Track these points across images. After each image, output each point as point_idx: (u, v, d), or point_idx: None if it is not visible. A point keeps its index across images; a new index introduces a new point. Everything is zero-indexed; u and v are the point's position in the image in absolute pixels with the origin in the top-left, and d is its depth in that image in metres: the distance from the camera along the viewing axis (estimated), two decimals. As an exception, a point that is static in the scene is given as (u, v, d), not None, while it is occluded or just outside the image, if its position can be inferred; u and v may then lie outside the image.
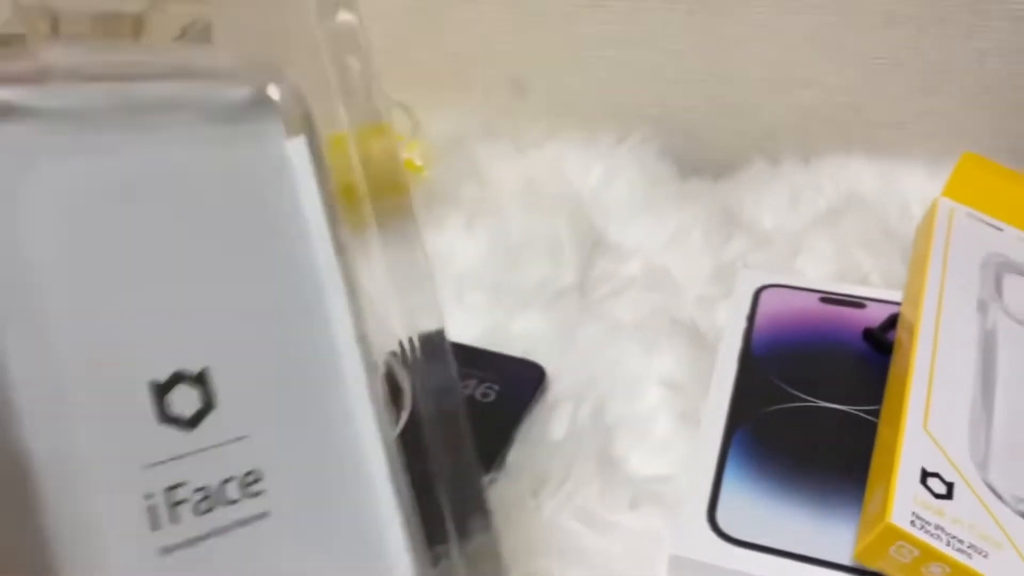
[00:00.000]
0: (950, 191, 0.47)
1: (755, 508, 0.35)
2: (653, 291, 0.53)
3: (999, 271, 0.43)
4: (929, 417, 0.33)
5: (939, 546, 0.29)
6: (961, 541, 0.29)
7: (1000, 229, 0.46)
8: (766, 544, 0.34)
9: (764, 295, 0.48)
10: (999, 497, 0.31)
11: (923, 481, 0.31)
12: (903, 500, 0.30)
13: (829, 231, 0.56)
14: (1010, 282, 0.43)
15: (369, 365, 0.26)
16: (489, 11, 0.66)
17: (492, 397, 0.45)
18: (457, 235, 0.58)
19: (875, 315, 0.45)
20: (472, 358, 0.48)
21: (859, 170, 0.62)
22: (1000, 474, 0.32)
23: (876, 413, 0.38)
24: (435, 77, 0.70)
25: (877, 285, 0.51)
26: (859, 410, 0.40)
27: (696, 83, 0.66)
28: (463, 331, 0.50)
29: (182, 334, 0.22)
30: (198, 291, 0.23)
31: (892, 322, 0.43)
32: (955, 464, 0.32)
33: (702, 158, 0.69)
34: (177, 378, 0.22)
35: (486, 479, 0.39)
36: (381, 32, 0.69)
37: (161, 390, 0.22)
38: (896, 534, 0.30)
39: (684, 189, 0.63)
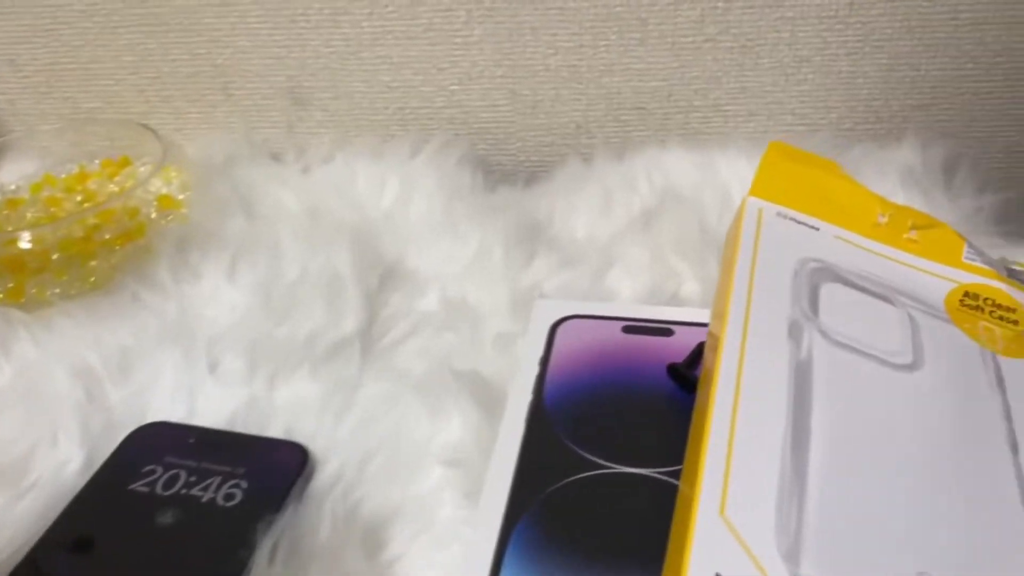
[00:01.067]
0: (758, 189, 0.41)
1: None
2: (448, 331, 0.45)
3: (815, 280, 0.37)
4: (727, 499, 0.27)
5: None
6: (764, 676, 0.23)
7: (816, 228, 0.40)
8: None
9: (561, 330, 0.40)
10: (813, 598, 0.25)
11: (718, 592, 0.24)
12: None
13: (644, 237, 0.50)
14: (828, 293, 0.37)
15: None
16: (251, 15, 0.57)
17: (238, 498, 0.37)
18: (217, 283, 0.49)
19: (683, 343, 0.38)
20: (217, 448, 0.39)
21: (675, 162, 0.56)
22: (814, 565, 0.26)
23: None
24: (195, 93, 0.60)
25: (692, 298, 0.45)
26: (663, 472, 0.33)
27: (493, 78, 0.58)
28: (212, 410, 0.41)
29: None
30: None
31: (699, 355, 0.37)
32: (758, 561, 0.25)
33: (511, 162, 0.62)
34: None
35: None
36: (124, 45, 0.59)
37: None
38: None
39: (489, 201, 0.55)
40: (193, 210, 0.53)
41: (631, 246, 0.49)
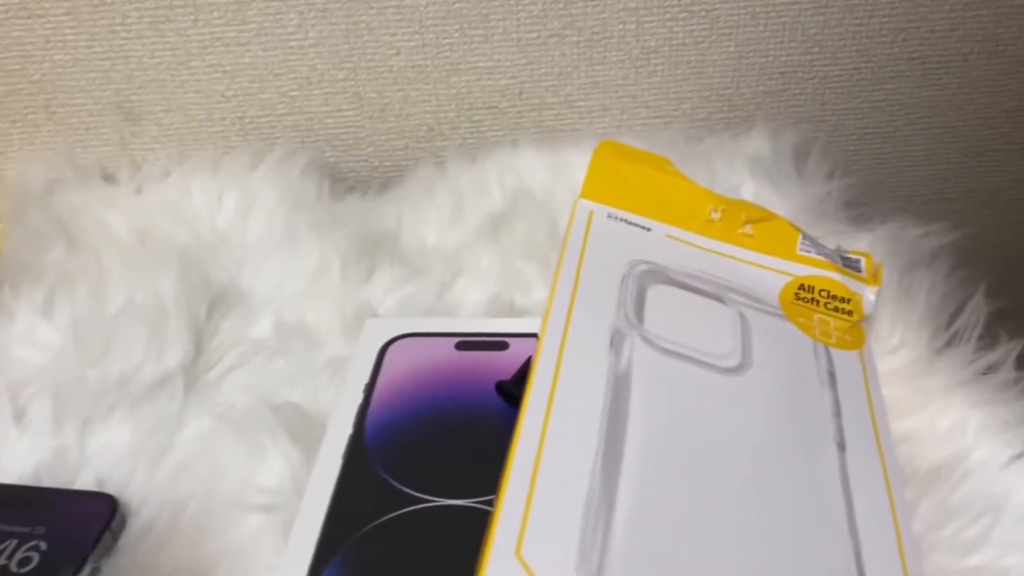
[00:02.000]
0: (588, 190, 0.39)
1: None
2: (280, 357, 0.42)
3: (642, 283, 0.35)
4: (525, 536, 0.25)
5: None
6: None
7: (647, 228, 0.39)
8: None
9: (392, 352, 0.38)
10: (610, 640, 0.23)
11: (504, 647, 0.22)
12: None
13: (493, 243, 0.48)
14: (656, 295, 0.35)
15: None
16: (65, 26, 0.53)
17: (35, 561, 0.33)
18: (31, 321, 0.45)
19: (517, 357, 0.36)
20: (15, 506, 0.35)
21: (528, 164, 0.54)
22: (614, 601, 0.24)
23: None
24: (14, 113, 0.56)
25: (540, 306, 0.43)
26: (485, 503, 0.31)
27: (335, 81, 0.55)
28: (17, 463, 0.38)
29: None
30: None
31: (528, 370, 0.35)
32: (553, 603, 0.23)
33: (364, 168, 0.59)
34: None
35: None
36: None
37: None
38: None
39: (334, 212, 0.53)
40: (6, 242, 0.49)
41: (480, 254, 0.47)
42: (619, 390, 0.30)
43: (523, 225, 0.49)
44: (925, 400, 0.36)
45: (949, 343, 0.39)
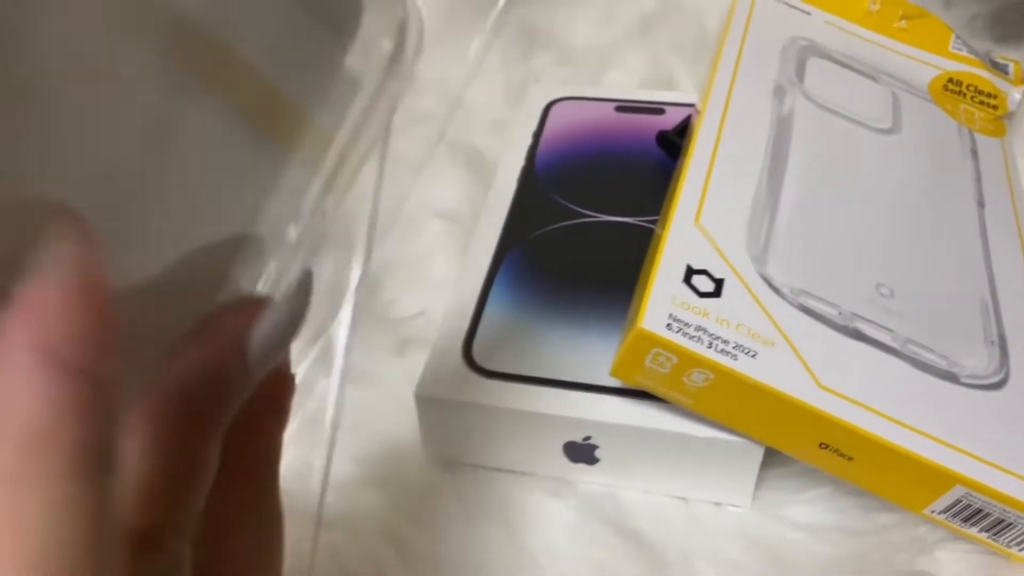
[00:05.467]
0: (754, -26, 0.41)
1: (516, 336, 0.30)
2: (447, 124, 0.46)
3: (803, 55, 0.38)
4: (703, 210, 0.28)
5: (699, 349, 0.25)
6: (726, 342, 0.25)
7: (808, 13, 0.41)
8: (522, 373, 0.29)
9: (555, 109, 0.41)
10: (776, 291, 0.27)
11: (687, 280, 0.26)
12: (660, 302, 0.25)
13: (642, 42, 0.50)
14: (814, 66, 0.38)
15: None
16: None
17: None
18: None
19: (674, 119, 0.39)
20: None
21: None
22: (780, 266, 0.28)
23: (663, 222, 0.33)
24: None
25: (686, 91, 0.46)
26: (645, 221, 0.34)
27: None
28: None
29: None
30: None
31: (687, 123, 0.38)
32: (727, 258, 0.27)
33: (512, -22, 0.61)
34: None
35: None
36: None
37: None
38: (650, 341, 0.25)
39: (488, 8, 0.56)
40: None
41: (629, 51, 0.50)
42: (782, 129, 0.33)
43: (671, 28, 0.51)
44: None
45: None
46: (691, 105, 0.40)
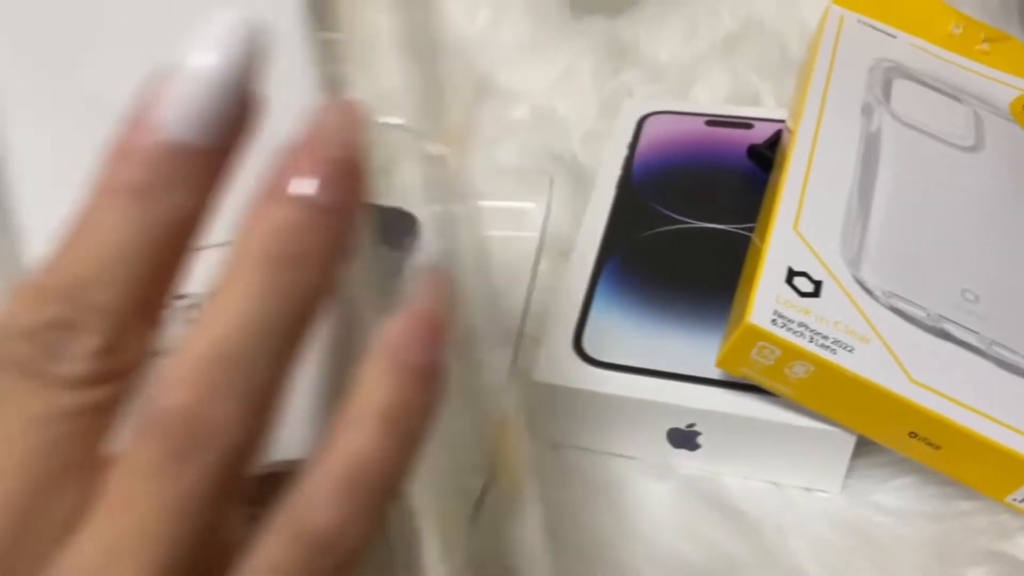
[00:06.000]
0: (841, -2, 0.44)
1: (623, 331, 0.33)
2: (538, 133, 0.49)
3: (888, 76, 0.40)
4: (800, 218, 0.31)
5: (801, 343, 0.27)
6: (825, 337, 0.27)
7: (893, 36, 0.43)
8: (630, 364, 0.32)
9: (648, 123, 0.44)
10: (869, 293, 0.29)
11: (789, 280, 0.29)
12: (765, 300, 0.28)
13: (725, 60, 0.53)
14: (900, 87, 0.40)
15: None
16: None
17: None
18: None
19: (763, 134, 0.42)
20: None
21: (759, -3, 0.58)
22: (872, 271, 0.30)
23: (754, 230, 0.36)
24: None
25: (771, 107, 0.48)
26: (738, 228, 0.37)
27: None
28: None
29: None
30: None
31: (778, 138, 0.40)
32: (825, 263, 0.30)
33: (597, -2, 0.64)
34: None
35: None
36: None
37: None
38: (756, 334, 0.27)
39: (576, 27, 0.59)
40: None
41: (712, 68, 0.53)
42: (871, 145, 0.36)
43: (753, 47, 0.54)
44: None
45: None
46: (778, 121, 0.42)
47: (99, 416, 0.15)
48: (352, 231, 0.16)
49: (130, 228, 0.14)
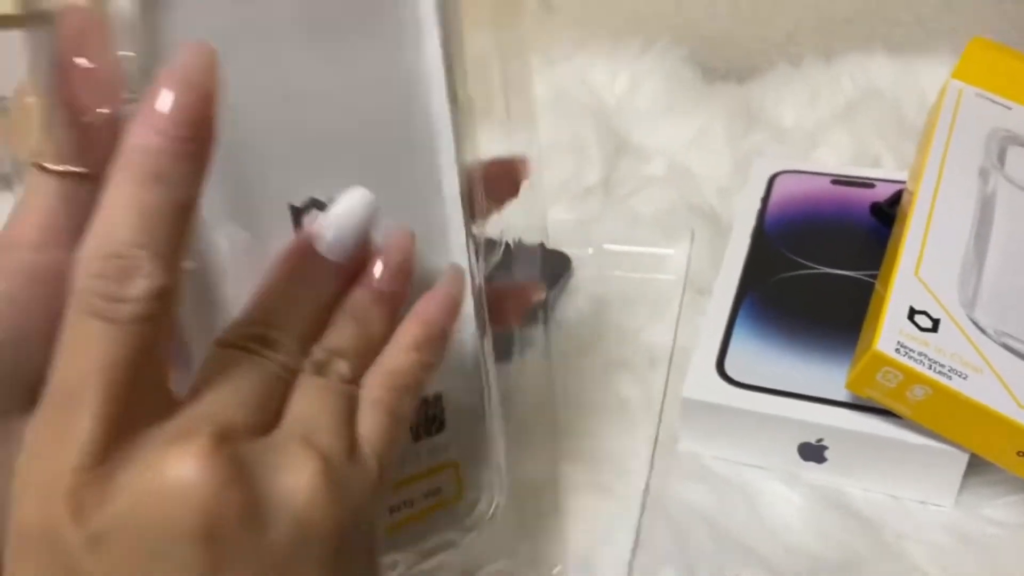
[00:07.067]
0: (960, 73, 0.49)
1: (760, 358, 0.39)
2: (674, 187, 0.56)
3: (1003, 144, 0.45)
4: (921, 265, 0.36)
5: (921, 369, 0.32)
6: (942, 366, 0.32)
7: (1008, 108, 0.48)
8: (767, 386, 0.37)
9: (778, 180, 0.50)
10: (982, 331, 0.34)
11: (910, 317, 0.34)
12: (890, 332, 0.33)
13: (846, 124, 0.58)
14: (1014, 153, 0.44)
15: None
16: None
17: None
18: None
19: (884, 193, 0.47)
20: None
21: (878, 67, 0.63)
22: (985, 312, 0.35)
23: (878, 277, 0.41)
24: None
25: (890, 169, 0.53)
26: (863, 274, 0.42)
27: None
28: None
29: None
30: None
31: (899, 197, 0.45)
32: (943, 304, 0.35)
33: (726, 64, 0.71)
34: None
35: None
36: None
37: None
38: (882, 361, 0.33)
39: (708, 92, 0.65)
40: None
41: (834, 132, 0.58)
42: (987, 204, 0.40)
43: (873, 115, 0.59)
44: None
45: None
46: (899, 181, 0.47)
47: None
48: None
49: None
